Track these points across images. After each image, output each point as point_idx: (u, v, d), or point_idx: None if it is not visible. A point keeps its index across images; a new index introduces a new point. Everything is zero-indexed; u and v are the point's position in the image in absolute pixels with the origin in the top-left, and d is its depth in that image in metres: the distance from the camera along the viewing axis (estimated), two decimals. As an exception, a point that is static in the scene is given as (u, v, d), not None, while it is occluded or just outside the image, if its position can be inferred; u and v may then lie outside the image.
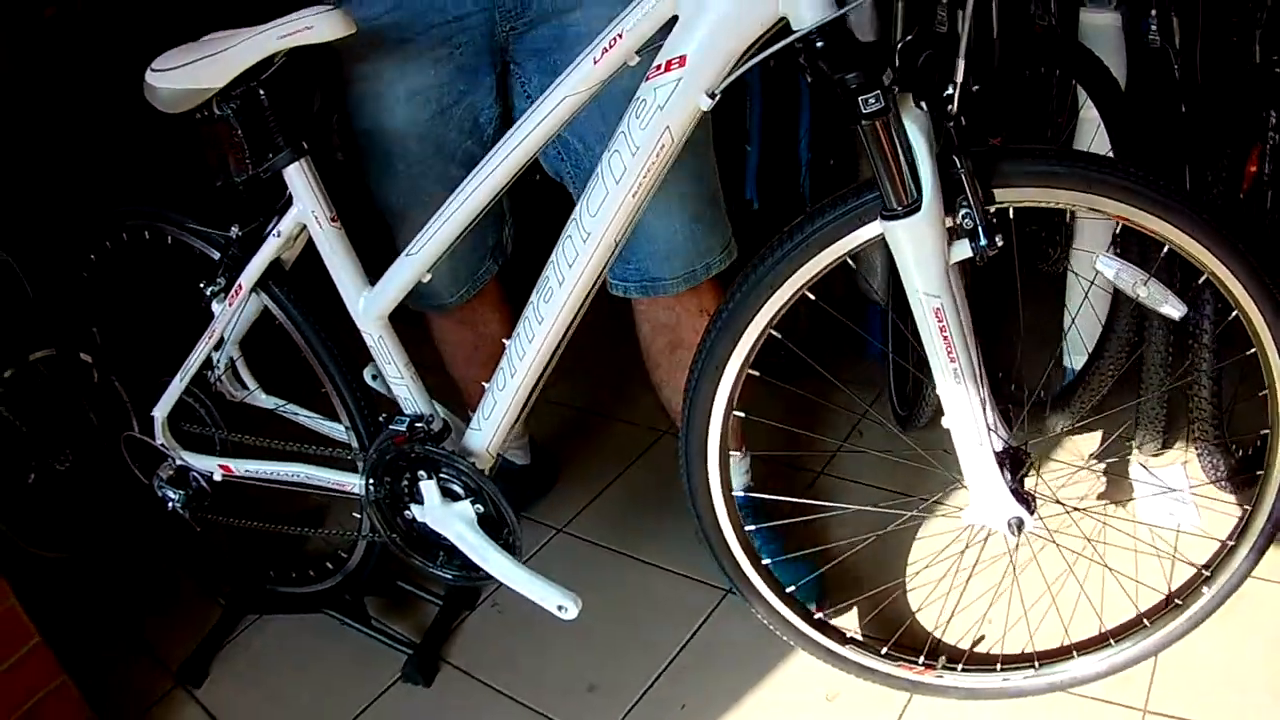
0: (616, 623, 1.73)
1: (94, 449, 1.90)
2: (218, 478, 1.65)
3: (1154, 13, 1.71)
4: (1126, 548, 1.61)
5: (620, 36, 1.09)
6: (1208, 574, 1.34)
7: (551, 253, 1.23)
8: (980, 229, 1.07)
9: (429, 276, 1.34)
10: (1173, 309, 1.17)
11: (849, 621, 1.63)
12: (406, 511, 1.49)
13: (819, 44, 0.99)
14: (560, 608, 1.37)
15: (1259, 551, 1.29)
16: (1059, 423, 1.88)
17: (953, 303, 1.12)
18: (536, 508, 2.06)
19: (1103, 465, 1.85)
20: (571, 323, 1.27)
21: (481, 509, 1.42)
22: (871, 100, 0.99)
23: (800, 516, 1.71)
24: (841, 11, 0.98)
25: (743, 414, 1.34)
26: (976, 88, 1.12)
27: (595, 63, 1.11)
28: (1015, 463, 1.28)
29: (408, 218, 1.49)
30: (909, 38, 1.03)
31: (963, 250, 1.10)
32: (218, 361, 1.58)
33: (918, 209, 1.06)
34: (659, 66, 1.08)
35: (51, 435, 1.91)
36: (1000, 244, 1.08)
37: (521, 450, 2.03)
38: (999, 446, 1.26)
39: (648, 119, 1.10)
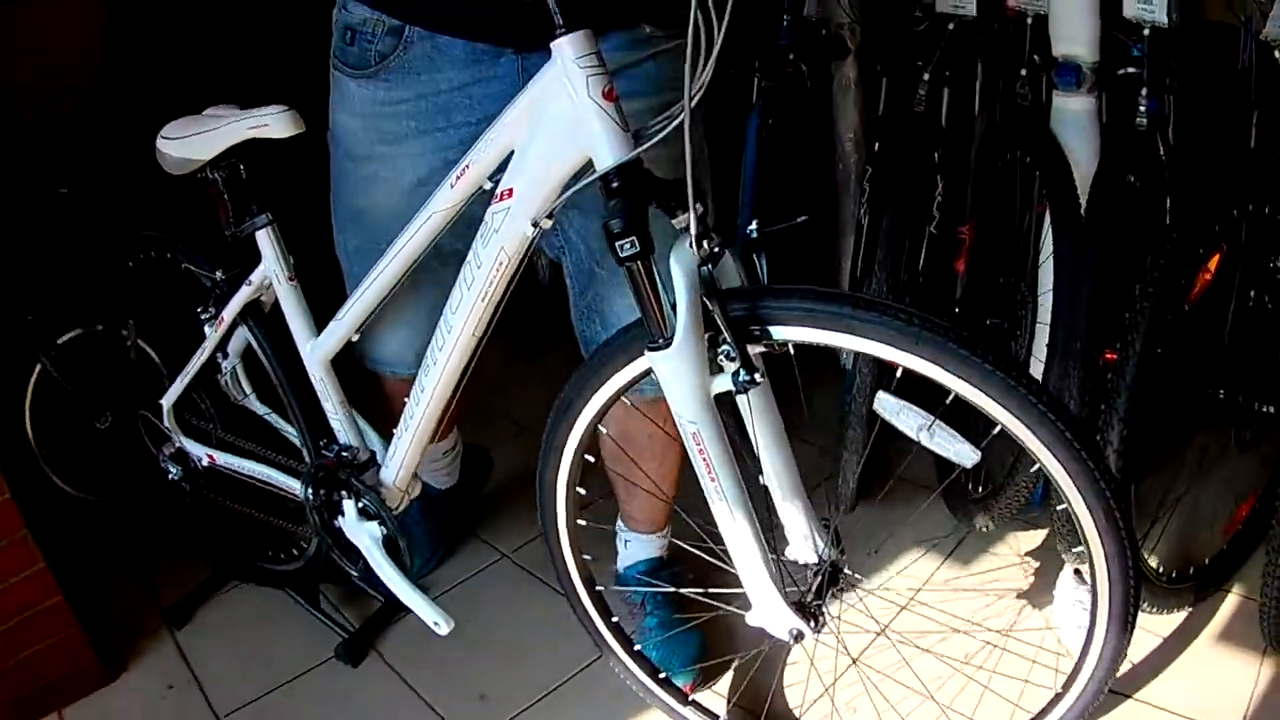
0: (527, 645, 1.96)
1: (127, 415, 2.24)
2: (204, 464, 1.96)
3: (1145, 92, 1.74)
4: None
5: (469, 166, 1.30)
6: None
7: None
8: (739, 365, 1.17)
9: (357, 337, 1.59)
10: (962, 456, 1.21)
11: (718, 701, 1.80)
12: (336, 519, 1.76)
13: (614, 183, 1.14)
14: (435, 624, 1.64)
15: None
16: (982, 522, 1.97)
17: (713, 429, 1.23)
18: (491, 528, 2.31)
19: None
20: (453, 389, 1.49)
21: (384, 531, 1.68)
22: (627, 245, 1.12)
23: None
24: (633, 155, 1.13)
25: (582, 490, 1.52)
26: (755, 231, 1.25)
27: (452, 187, 1.33)
28: (831, 575, 1.44)
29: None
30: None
31: (723, 383, 1.20)
32: (225, 369, 1.89)
33: (671, 344, 1.16)
34: (498, 195, 1.27)
35: (95, 398, 2.30)
36: (760, 379, 1.18)
37: (447, 473, 2.22)
38: (812, 558, 1.42)
39: (489, 239, 1.30)
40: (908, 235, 1.99)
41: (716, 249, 1.17)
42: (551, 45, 1.13)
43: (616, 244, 1.12)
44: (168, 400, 1.96)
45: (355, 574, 1.78)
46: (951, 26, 2.04)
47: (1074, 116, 1.83)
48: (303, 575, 2.06)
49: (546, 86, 1.18)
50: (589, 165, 1.18)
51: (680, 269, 1.14)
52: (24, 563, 1.85)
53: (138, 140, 1.72)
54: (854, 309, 1.15)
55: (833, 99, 2.44)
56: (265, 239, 1.62)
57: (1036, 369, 1.83)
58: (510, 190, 1.26)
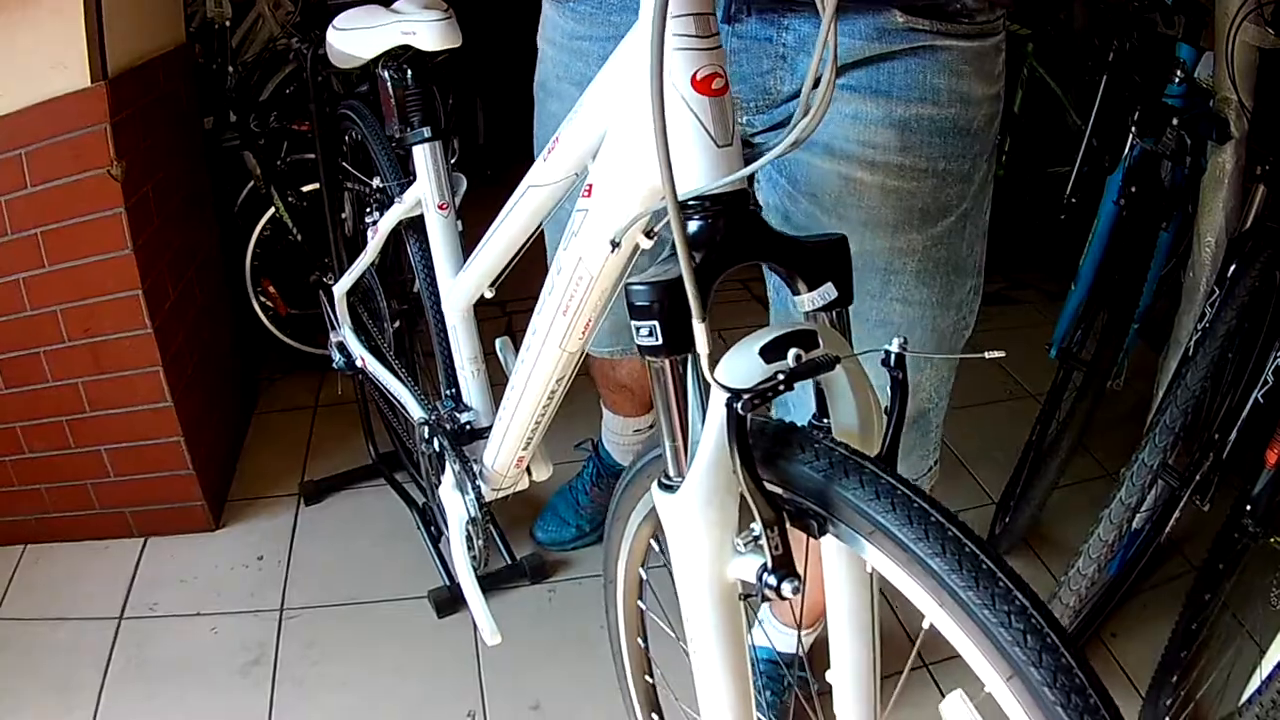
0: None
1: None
2: (358, 364, 1.84)
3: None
4: None
5: (558, 141, 1.00)
6: None
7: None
8: (767, 560, 0.78)
9: (491, 293, 1.35)
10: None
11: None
12: (439, 476, 1.58)
13: (688, 221, 0.77)
14: (485, 631, 1.45)
15: None
16: None
17: (717, 631, 0.85)
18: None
19: None
20: (546, 398, 1.23)
21: (469, 513, 1.47)
22: (644, 331, 0.76)
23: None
24: (714, 187, 0.76)
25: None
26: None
27: (544, 161, 1.03)
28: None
29: None
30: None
31: (745, 570, 0.81)
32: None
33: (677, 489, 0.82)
34: (585, 188, 0.94)
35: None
36: (791, 593, 0.77)
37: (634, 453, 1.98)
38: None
39: (568, 243, 0.99)
40: (1224, 394, 1.48)
41: (820, 358, 0.76)
42: None
43: (632, 324, 0.76)
44: (339, 289, 1.84)
45: (444, 536, 1.60)
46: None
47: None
48: (427, 507, 1.92)
49: (635, 51, 0.84)
50: None
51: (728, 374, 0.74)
52: (152, 396, 1.87)
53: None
54: (948, 562, 0.66)
55: (1200, 191, 1.87)
56: (421, 156, 1.41)
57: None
58: (591, 186, 0.93)
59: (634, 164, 0.86)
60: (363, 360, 1.81)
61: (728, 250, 0.77)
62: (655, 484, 0.83)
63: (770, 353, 0.75)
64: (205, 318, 2.15)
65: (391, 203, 1.54)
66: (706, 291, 0.74)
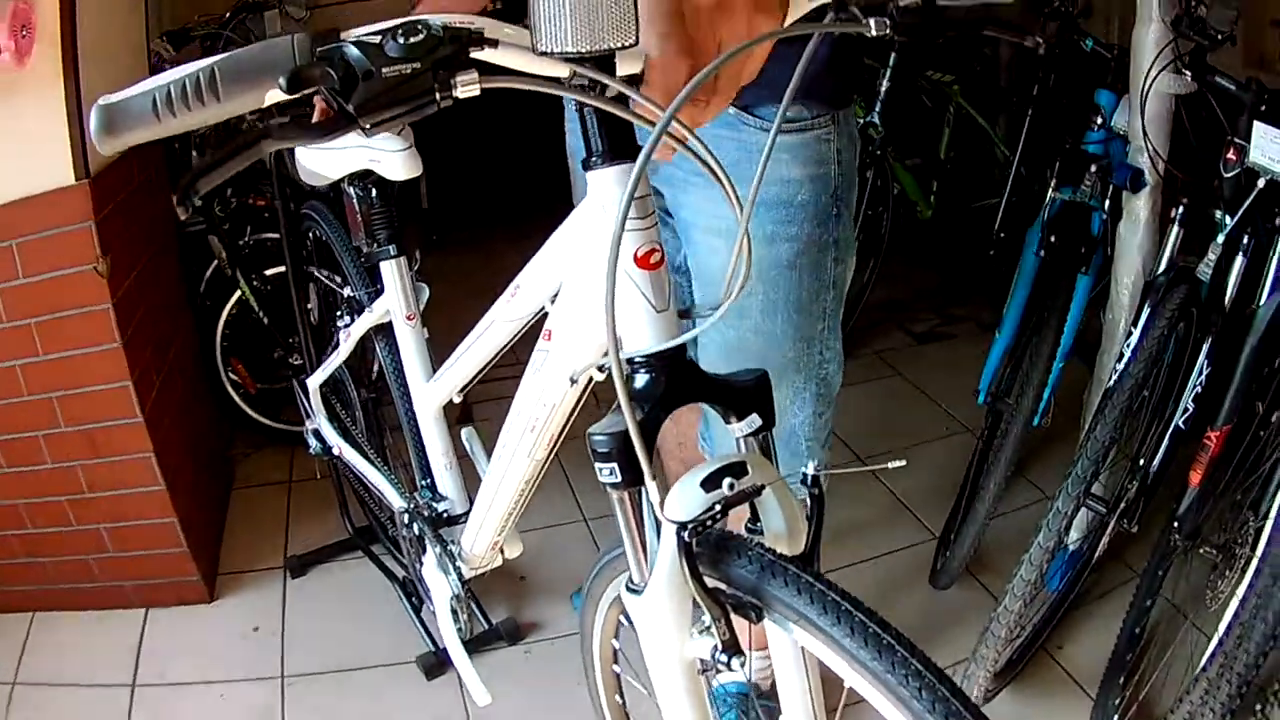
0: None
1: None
2: (334, 451, 1.94)
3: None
4: None
5: (519, 288, 1.12)
6: None
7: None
8: (717, 641, 0.93)
9: (459, 398, 1.47)
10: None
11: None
12: (421, 555, 1.69)
13: (632, 375, 0.90)
14: (477, 694, 1.55)
15: None
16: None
17: (683, 700, 1.01)
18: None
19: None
20: (519, 495, 1.33)
21: (453, 589, 1.59)
22: (606, 472, 0.89)
23: None
24: (666, 346, 0.89)
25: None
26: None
27: (510, 299, 1.15)
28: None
29: None
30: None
31: (703, 649, 0.95)
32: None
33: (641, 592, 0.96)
34: (545, 331, 1.06)
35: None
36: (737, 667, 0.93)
37: None
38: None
39: (531, 375, 1.10)
40: (1153, 423, 1.62)
41: (749, 488, 0.90)
42: (586, 174, 0.90)
43: (595, 465, 0.89)
44: (313, 382, 1.94)
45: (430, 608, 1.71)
46: (1262, 184, 1.60)
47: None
48: (407, 579, 2.03)
49: (587, 218, 0.95)
50: None
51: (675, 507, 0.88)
52: (145, 480, 1.99)
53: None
54: (855, 641, 0.83)
55: (1118, 235, 2.03)
56: (389, 272, 1.53)
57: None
58: (550, 332, 1.05)
59: (587, 322, 0.99)
60: (339, 449, 1.92)
61: (669, 400, 0.91)
62: (624, 587, 0.98)
63: (709, 484, 0.89)
64: (187, 400, 2.26)
65: (361, 309, 1.66)
66: (652, 437, 0.88)
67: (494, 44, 0.75)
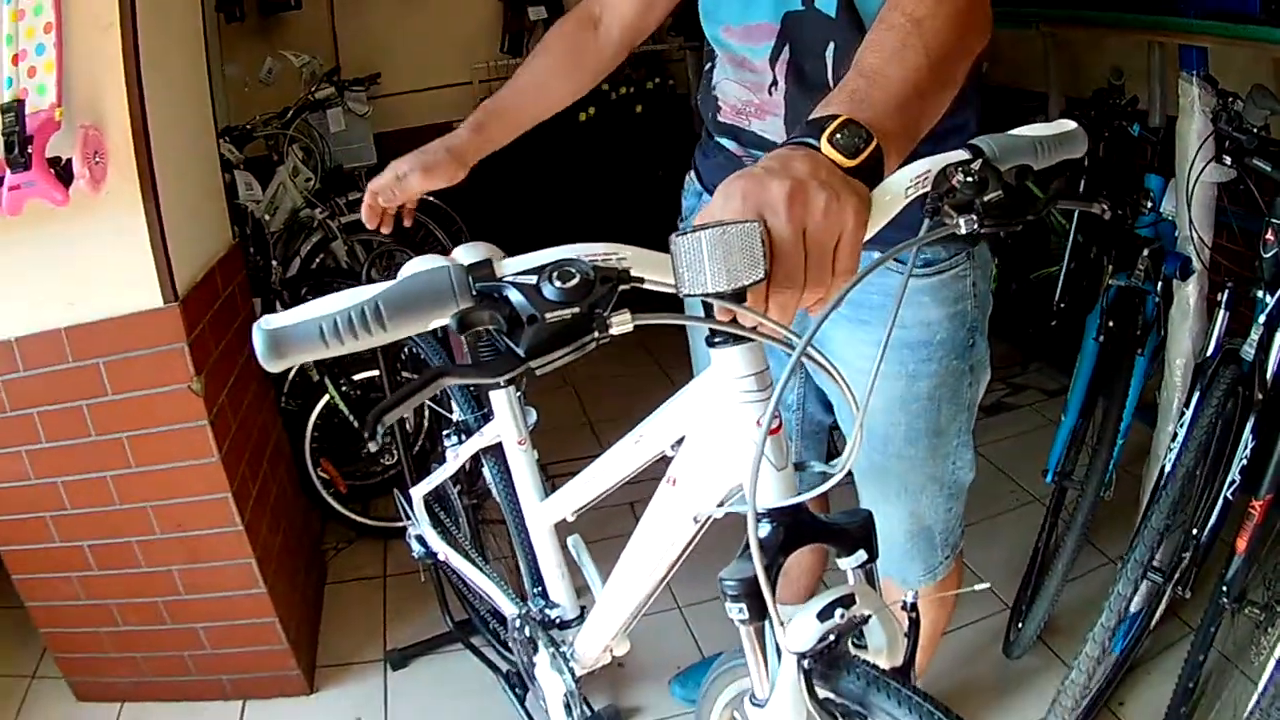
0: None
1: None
2: (441, 558, 2.08)
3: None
4: None
5: (643, 437, 1.24)
6: None
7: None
8: None
9: (573, 517, 1.61)
10: None
11: None
12: (534, 656, 1.81)
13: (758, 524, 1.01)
14: None
15: None
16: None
17: None
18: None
19: None
20: (634, 609, 1.45)
21: (565, 688, 1.72)
22: (735, 610, 1.01)
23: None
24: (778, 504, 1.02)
25: None
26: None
27: (636, 444, 1.26)
28: None
29: None
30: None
31: None
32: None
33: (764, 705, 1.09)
34: (669, 477, 1.18)
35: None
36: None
37: None
38: None
39: (654, 512, 1.24)
40: (1204, 494, 1.73)
41: (857, 616, 1.04)
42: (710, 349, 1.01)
43: (725, 604, 1.02)
44: (417, 492, 2.08)
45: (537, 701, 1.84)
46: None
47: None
48: (517, 672, 2.15)
49: (712, 386, 1.06)
50: None
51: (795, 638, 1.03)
52: (245, 584, 2.10)
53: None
54: None
55: (1169, 319, 2.16)
56: (499, 400, 1.65)
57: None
58: (674, 479, 1.19)
59: (710, 472, 1.13)
60: (445, 555, 2.06)
61: (788, 546, 1.04)
62: (748, 700, 1.13)
63: (824, 614, 1.04)
64: (282, 502, 2.38)
65: (469, 431, 1.80)
66: (774, 580, 1.01)
67: (640, 281, 0.88)
